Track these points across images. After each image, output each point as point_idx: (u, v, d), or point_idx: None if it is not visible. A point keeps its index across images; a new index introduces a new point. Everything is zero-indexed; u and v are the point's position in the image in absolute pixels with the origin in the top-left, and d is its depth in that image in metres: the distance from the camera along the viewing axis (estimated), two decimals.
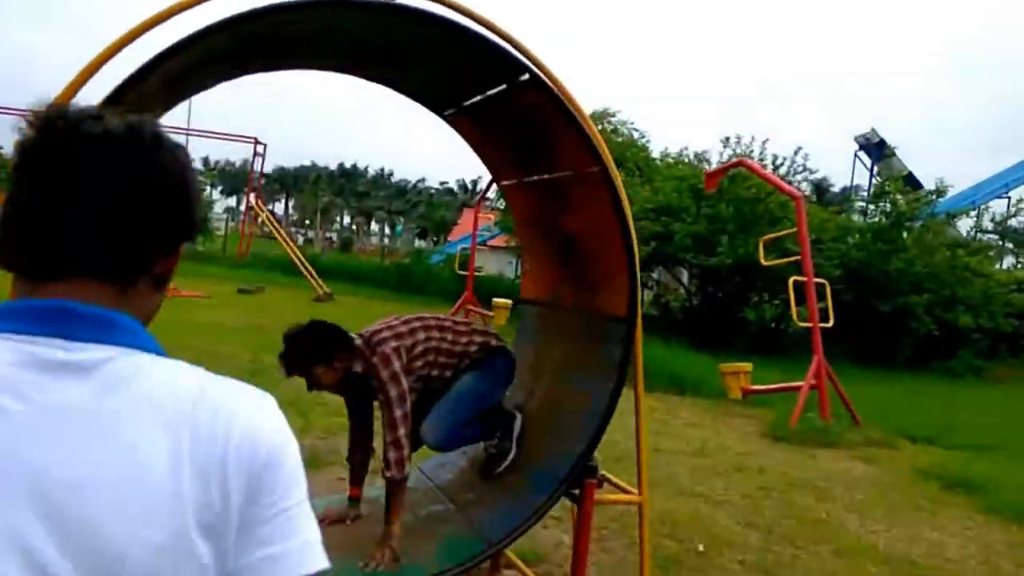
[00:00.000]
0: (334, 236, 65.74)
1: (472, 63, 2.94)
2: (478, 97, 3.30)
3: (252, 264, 23.65)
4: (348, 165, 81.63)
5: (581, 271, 3.41)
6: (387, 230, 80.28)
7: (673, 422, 8.48)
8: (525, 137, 3.35)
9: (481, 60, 2.81)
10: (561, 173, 3.29)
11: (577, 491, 3.06)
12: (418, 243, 64.52)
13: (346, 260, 26.77)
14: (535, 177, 3.57)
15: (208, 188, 54.51)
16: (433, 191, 79.20)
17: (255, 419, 0.81)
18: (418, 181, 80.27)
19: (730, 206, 14.68)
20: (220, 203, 64.72)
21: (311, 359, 3.01)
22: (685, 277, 18.16)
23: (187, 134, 23.54)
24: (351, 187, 78.75)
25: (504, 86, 3.05)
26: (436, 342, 3.20)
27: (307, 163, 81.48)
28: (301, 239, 58.54)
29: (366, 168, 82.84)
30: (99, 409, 0.75)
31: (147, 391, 0.77)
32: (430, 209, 69.01)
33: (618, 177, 2.97)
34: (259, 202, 25.76)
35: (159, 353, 0.82)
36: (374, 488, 3.48)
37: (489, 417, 3.34)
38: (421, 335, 3.17)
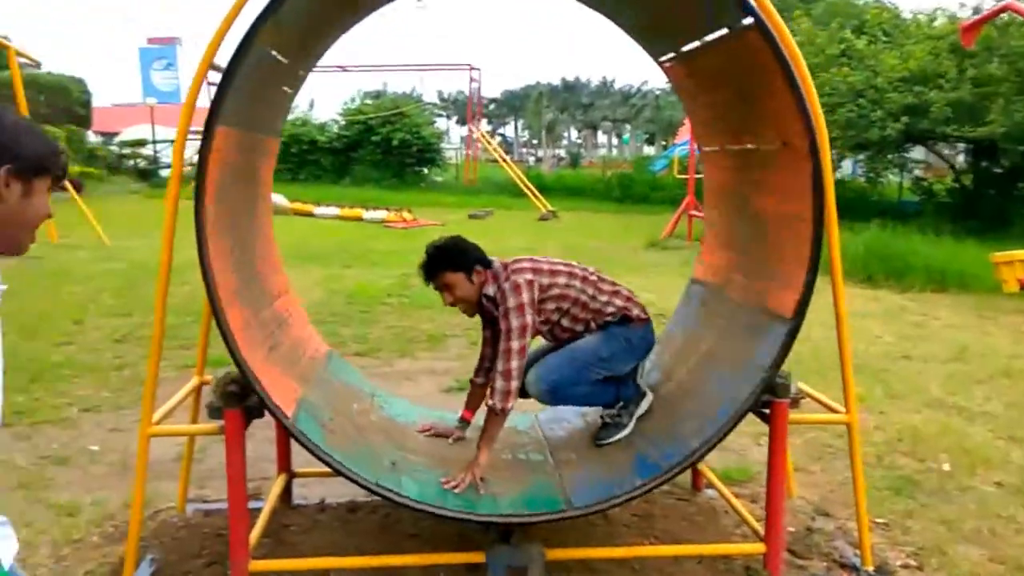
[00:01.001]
0: (562, 152, 66.29)
1: (693, 2, 2.84)
2: (696, 43, 3.08)
3: (481, 189, 24.67)
4: (571, 79, 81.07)
5: (759, 259, 3.06)
6: (614, 140, 79.08)
7: (930, 324, 7.49)
8: (735, 92, 3.07)
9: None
10: (766, 146, 2.95)
11: (767, 411, 2.79)
12: (646, 149, 62.93)
13: (569, 177, 26.90)
14: (737, 147, 3.24)
15: (444, 118, 57.32)
16: (659, 92, 76.12)
17: None
18: (641, 84, 77.58)
19: (1003, 63, 12.28)
20: (455, 132, 67.90)
21: (450, 265, 3.03)
22: (961, 157, 15.70)
23: (404, 70, 24.71)
24: (575, 100, 78.34)
25: (725, 30, 2.81)
26: (575, 292, 3.07)
27: (532, 83, 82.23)
28: (531, 160, 59.71)
29: (588, 80, 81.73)
30: None
31: None
32: (657, 112, 66.62)
33: (827, 150, 2.62)
34: (480, 129, 26.59)
35: None
36: None
37: (612, 385, 3.14)
38: (561, 280, 3.06)
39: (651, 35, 3.49)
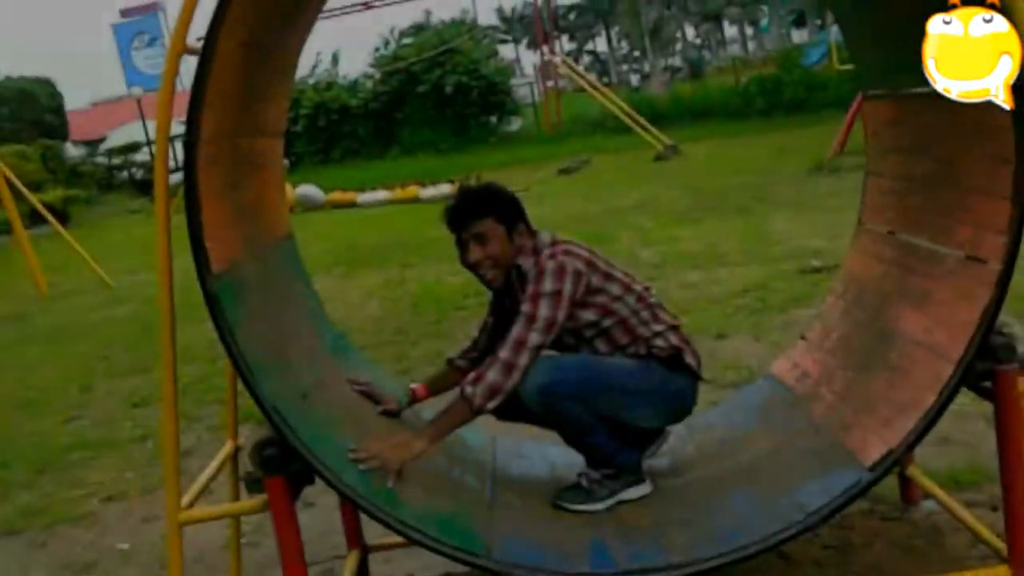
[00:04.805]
0: (676, 61, 65.27)
1: None
2: None
3: (572, 131, 24.71)
4: None
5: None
6: (748, 31, 77.20)
7: None
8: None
9: None
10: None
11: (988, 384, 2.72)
12: (795, 36, 61.09)
13: (691, 94, 26.54)
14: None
15: (509, 44, 57.27)
16: None
17: None
18: None
19: None
20: (526, 60, 67.95)
21: (497, 211, 3.12)
22: None
23: None
24: None
25: None
26: (625, 311, 3.11)
27: None
28: (636, 79, 59.12)
29: None
30: None
31: None
32: None
33: None
34: (558, 52, 26.59)
35: None
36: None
37: (615, 438, 3.13)
38: (614, 289, 3.10)
39: None
